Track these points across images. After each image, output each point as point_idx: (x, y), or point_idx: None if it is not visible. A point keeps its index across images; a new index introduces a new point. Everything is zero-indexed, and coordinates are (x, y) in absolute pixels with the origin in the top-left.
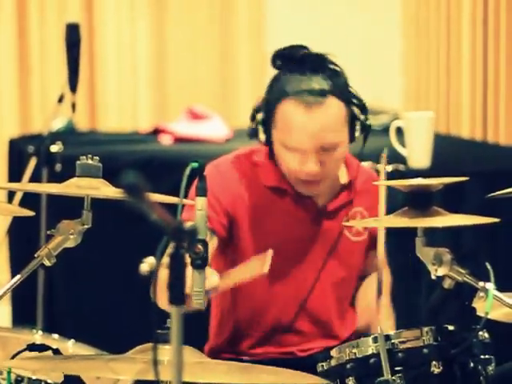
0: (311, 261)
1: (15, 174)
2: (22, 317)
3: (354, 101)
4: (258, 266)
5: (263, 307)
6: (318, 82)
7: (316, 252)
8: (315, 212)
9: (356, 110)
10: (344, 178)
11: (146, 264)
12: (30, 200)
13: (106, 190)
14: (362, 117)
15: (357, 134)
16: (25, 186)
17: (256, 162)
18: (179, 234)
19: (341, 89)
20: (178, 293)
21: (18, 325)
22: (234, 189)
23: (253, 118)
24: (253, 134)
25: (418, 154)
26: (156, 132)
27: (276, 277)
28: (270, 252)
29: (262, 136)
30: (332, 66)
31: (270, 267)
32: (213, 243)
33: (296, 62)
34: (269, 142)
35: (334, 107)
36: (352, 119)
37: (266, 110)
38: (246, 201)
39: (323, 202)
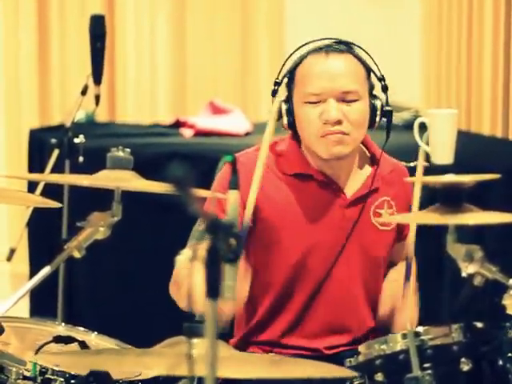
0: (335, 247)
1: (36, 165)
2: (41, 308)
3: (375, 73)
4: None
5: (288, 292)
6: (337, 43)
7: (340, 239)
8: (340, 198)
9: (376, 88)
10: (368, 167)
11: (183, 256)
12: (50, 191)
13: (137, 183)
14: (381, 95)
15: (378, 114)
16: (54, 177)
17: (279, 152)
18: (217, 228)
19: (362, 60)
20: (214, 287)
21: (36, 316)
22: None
23: (274, 93)
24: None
25: (442, 150)
26: (177, 124)
27: (301, 262)
28: None
29: (284, 108)
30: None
31: (296, 253)
32: None
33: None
34: (291, 117)
35: (353, 61)
36: (372, 94)
37: (288, 78)
38: (268, 191)
39: (348, 189)
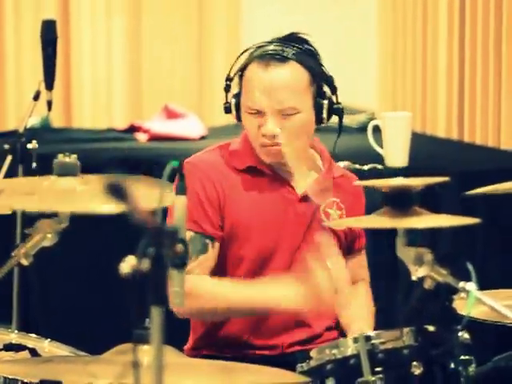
0: (292, 242)
1: None
2: None
3: (323, 75)
4: None
5: None
6: (283, 48)
7: (296, 234)
8: (291, 194)
9: (324, 87)
10: (318, 166)
11: (127, 264)
12: None
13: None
14: (328, 92)
15: (324, 113)
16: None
17: (232, 151)
18: (160, 234)
19: (307, 59)
20: (160, 293)
21: None
22: (214, 178)
23: (227, 88)
24: (228, 108)
25: (396, 153)
26: (131, 129)
27: (255, 258)
28: None
29: (233, 103)
30: (305, 46)
31: (251, 249)
32: (215, 249)
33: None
34: (239, 112)
35: (295, 71)
36: (319, 94)
37: (240, 75)
38: (226, 189)
39: (298, 186)
